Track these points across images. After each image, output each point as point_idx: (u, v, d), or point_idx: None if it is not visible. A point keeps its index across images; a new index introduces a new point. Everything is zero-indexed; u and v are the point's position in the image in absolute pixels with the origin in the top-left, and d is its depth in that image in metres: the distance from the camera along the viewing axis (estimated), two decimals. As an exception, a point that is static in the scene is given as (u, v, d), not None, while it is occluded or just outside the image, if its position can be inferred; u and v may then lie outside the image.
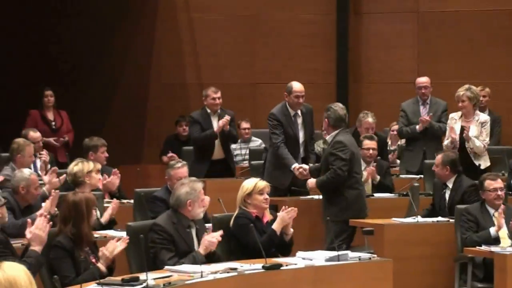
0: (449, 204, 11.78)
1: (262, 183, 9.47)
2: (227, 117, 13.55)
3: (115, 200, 10.73)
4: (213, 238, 8.71)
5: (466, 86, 12.86)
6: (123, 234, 8.89)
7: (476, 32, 15.61)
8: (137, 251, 8.41)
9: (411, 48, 15.92)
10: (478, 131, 12.54)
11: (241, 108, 13.85)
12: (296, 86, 12.83)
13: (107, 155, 12.45)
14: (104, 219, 10.11)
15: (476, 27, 15.61)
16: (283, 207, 9.44)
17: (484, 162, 12.62)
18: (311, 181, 11.60)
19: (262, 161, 13.04)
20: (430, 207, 12.21)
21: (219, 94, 13.80)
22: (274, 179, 11.86)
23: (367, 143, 13.12)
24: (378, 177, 12.96)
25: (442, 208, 11.86)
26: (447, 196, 11.90)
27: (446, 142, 12.94)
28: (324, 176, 11.27)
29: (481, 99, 14.33)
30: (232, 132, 13.72)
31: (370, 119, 13.93)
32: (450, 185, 11.83)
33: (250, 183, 9.56)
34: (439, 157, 11.99)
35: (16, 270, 4.74)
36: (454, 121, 12.74)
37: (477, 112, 12.66)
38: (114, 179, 11.58)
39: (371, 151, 13.02)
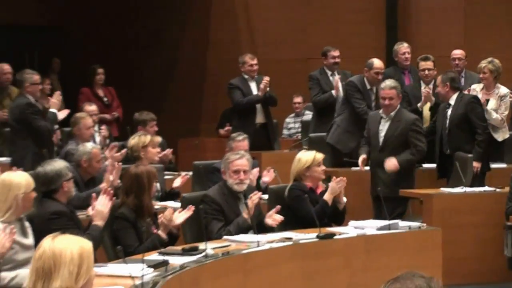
0: (450, 120, 11.79)
1: (320, 155, 9.52)
2: (267, 78, 13.45)
3: (184, 175, 10.79)
4: (274, 221, 8.78)
5: (489, 58, 12.69)
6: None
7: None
8: (191, 222, 8.51)
9: (458, 24, 15.85)
10: (497, 104, 12.31)
11: (294, 83, 13.84)
12: (377, 62, 12.80)
13: (156, 129, 12.51)
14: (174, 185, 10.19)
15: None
16: (333, 177, 9.46)
17: (502, 134, 12.36)
18: (393, 163, 11.23)
19: (324, 133, 12.92)
20: (431, 127, 12.33)
21: (255, 61, 13.75)
22: (341, 142, 11.88)
23: (423, 64, 13.11)
24: (433, 98, 12.70)
25: (444, 126, 11.86)
26: (448, 114, 11.88)
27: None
28: (408, 154, 11.24)
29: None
30: (272, 94, 13.65)
31: (405, 44, 13.95)
32: (452, 102, 11.79)
33: (308, 156, 9.56)
34: (439, 78, 12.01)
35: (65, 244, 4.77)
36: (475, 92, 12.51)
37: (498, 85, 12.41)
38: (169, 153, 11.66)
39: (426, 72, 12.98)
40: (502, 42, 14.91)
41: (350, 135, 12.53)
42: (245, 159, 8.91)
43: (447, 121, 11.76)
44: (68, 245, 4.72)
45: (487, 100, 12.18)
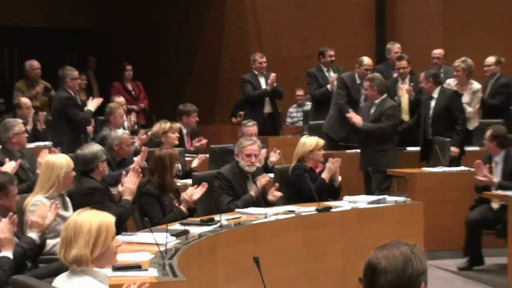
0: (433, 111, 11.71)
1: (321, 141, 9.65)
2: (273, 74, 13.42)
3: (201, 157, 10.81)
4: (262, 181, 8.85)
5: (463, 58, 12.65)
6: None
7: (495, 10, 15.42)
8: (203, 197, 8.50)
9: (437, 25, 15.82)
10: (470, 98, 12.34)
11: (297, 78, 13.81)
12: (366, 60, 12.87)
13: (197, 119, 12.53)
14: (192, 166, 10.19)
15: (494, 5, 15.42)
16: (329, 158, 9.49)
17: (473, 124, 12.39)
18: (358, 118, 11.56)
19: (322, 121, 12.94)
20: (414, 121, 12.27)
21: (264, 59, 13.71)
22: (333, 130, 11.91)
23: (398, 63, 13.05)
24: (413, 93, 12.66)
25: (427, 116, 11.78)
26: (432, 105, 11.77)
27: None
28: (378, 125, 11.30)
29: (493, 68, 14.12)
30: (278, 88, 13.60)
31: (397, 45, 13.91)
32: (435, 95, 11.70)
33: (312, 141, 9.63)
34: (422, 74, 11.88)
35: (86, 218, 4.83)
36: (450, 86, 12.51)
37: (471, 81, 12.38)
38: (204, 142, 11.70)
39: (401, 70, 12.91)
40: (478, 42, 14.85)
41: (340, 124, 12.50)
42: (256, 145, 8.96)
43: (431, 112, 11.68)
44: (89, 219, 4.79)
45: (461, 95, 12.18)
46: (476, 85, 12.50)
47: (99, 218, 4.82)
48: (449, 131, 11.42)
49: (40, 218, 6.60)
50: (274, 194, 8.85)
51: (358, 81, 12.70)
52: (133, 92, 14.77)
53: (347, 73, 12.95)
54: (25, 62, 13.62)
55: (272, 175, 9.62)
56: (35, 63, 13.42)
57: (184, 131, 12.40)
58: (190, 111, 12.53)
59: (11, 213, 6.38)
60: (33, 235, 6.37)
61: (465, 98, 12.23)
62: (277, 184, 8.98)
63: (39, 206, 6.92)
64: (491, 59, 13.08)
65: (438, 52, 13.61)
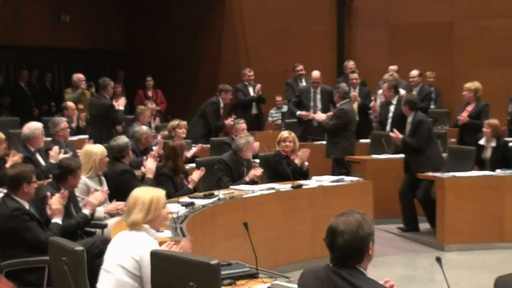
0: (393, 114, 11.60)
1: (284, 135, 9.59)
2: (259, 85, 13.50)
3: (199, 146, 10.83)
4: (257, 173, 8.88)
5: (391, 72, 12.68)
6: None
7: (428, 34, 15.40)
8: (204, 177, 8.58)
9: (384, 47, 15.83)
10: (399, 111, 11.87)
11: (276, 87, 13.77)
12: (314, 74, 12.74)
13: (231, 97, 13.15)
14: (189, 154, 10.16)
15: (428, 31, 15.40)
16: (301, 149, 9.52)
17: None
18: (320, 116, 11.53)
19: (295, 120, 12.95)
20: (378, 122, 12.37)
21: (252, 73, 13.75)
22: (294, 130, 11.90)
23: (351, 76, 13.11)
24: (359, 99, 12.73)
25: (386, 117, 11.75)
26: (391, 110, 11.67)
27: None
28: (327, 122, 11.26)
29: (430, 79, 14.14)
30: (262, 96, 13.62)
31: (352, 62, 14.00)
32: (394, 102, 11.57)
33: (279, 135, 9.70)
34: (385, 85, 11.77)
35: (141, 192, 5.07)
36: (380, 95, 12.53)
37: (401, 91, 12.12)
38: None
39: (354, 81, 12.93)
40: (415, 59, 14.77)
41: (299, 123, 12.56)
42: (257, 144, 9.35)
43: (390, 114, 11.59)
44: (143, 193, 5.03)
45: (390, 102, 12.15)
46: (401, 91, 12.25)
47: (151, 193, 5.04)
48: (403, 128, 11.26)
49: (94, 199, 6.68)
50: (255, 173, 8.89)
51: (312, 90, 12.62)
52: (152, 98, 14.76)
53: (305, 85, 12.91)
54: (73, 74, 13.61)
55: (258, 160, 9.68)
56: (81, 76, 13.45)
57: (221, 104, 12.85)
58: (228, 90, 12.89)
59: (62, 190, 6.39)
60: (86, 211, 6.37)
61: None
62: (261, 170, 9.02)
63: (97, 192, 6.98)
64: (414, 72, 13.10)
65: (393, 67, 13.55)
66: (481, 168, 10.13)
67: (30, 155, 8.52)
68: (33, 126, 8.87)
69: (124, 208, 6.00)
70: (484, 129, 10.15)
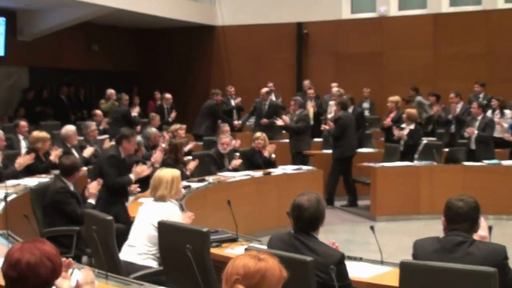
0: None
1: (257, 134, 9.46)
2: (239, 98, 13.40)
3: (194, 143, 10.74)
4: (237, 163, 8.78)
5: (337, 89, 12.54)
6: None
7: (363, 60, 15.55)
8: (198, 168, 8.53)
9: (331, 69, 15.88)
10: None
11: (251, 99, 13.55)
12: (262, 90, 12.50)
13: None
14: (186, 149, 10.09)
15: (361, 58, 15.52)
16: (270, 144, 9.43)
17: None
18: (285, 119, 10.99)
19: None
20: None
21: (233, 89, 13.62)
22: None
23: (309, 92, 12.84)
24: (316, 108, 12.63)
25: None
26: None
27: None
28: (294, 125, 10.90)
29: (365, 94, 14.15)
30: (241, 106, 13.53)
31: (308, 81, 13.89)
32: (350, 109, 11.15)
33: (253, 135, 9.61)
34: (335, 102, 11.40)
35: (164, 173, 5.14)
36: (333, 106, 12.23)
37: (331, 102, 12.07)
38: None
39: (310, 95, 12.73)
40: (351, 78, 14.82)
41: (259, 127, 11.94)
42: (228, 139, 8.97)
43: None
44: (166, 173, 5.13)
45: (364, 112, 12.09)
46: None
47: (171, 173, 5.15)
48: (356, 132, 10.92)
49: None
50: (235, 163, 8.79)
51: (263, 102, 12.32)
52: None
53: (259, 99, 12.57)
54: (107, 90, 13.55)
55: (237, 154, 9.62)
56: (112, 91, 13.39)
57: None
58: (218, 93, 12.92)
59: (99, 179, 6.31)
60: (91, 201, 6.24)
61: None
62: (240, 161, 8.91)
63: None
64: (334, 90, 12.79)
65: (335, 84, 13.44)
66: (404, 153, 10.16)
67: (67, 150, 8.47)
68: (68, 128, 8.87)
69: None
70: (404, 116, 10.32)
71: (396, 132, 10.18)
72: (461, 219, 3.59)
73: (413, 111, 10.45)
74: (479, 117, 10.19)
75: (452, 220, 3.62)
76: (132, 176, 6.81)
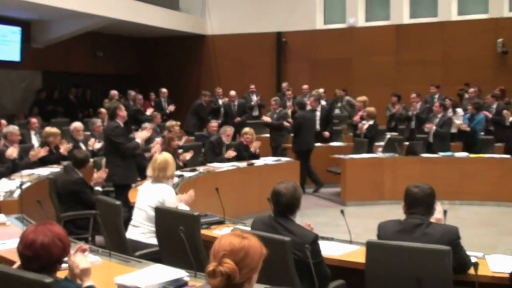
0: (320, 118, 11.09)
1: (244, 130, 9.40)
2: (226, 98, 13.11)
3: (186, 137, 10.64)
4: (232, 154, 8.76)
5: (316, 90, 12.51)
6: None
7: (330, 69, 15.57)
8: (192, 158, 8.49)
9: (307, 73, 15.86)
10: (323, 114, 11.26)
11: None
12: (231, 93, 12.49)
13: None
14: (181, 143, 10.02)
15: (330, 66, 15.56)
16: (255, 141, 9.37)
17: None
18: (267, 119, 10.90)
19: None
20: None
21: (221, 90, 13.38)
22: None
23: (287, 92, 12.71)
24: (293, 107, 12.16)
25: (314, 121, 10.91)
26: (318, 115, 11.07)
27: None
28: (272, 122, 10.85)
29: (337, 95, 14.12)
30: (262, 103, 13.37)
31: (286, 83, 13.69)
32: (318, 109, 11.07)
33: (243, 130, 9.49)
34: (312, 98, 11.17)
35: (165, 156, 5.04)
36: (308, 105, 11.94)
37: (321, 101, 11.65)
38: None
39: (288, 96, 12.62)
40: (324, 82, 14.80)
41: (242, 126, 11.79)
42: (231, 131, 9.10)
43: (318, 118, 11.05)
44: (169, 156, 5.05)
45: (333, 109, 12.06)
46: (323, 102, 11.94)
47: (166, 156, 5.05)
48: (328, 127, 11.12)
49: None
50: (230, 153, 8.75)
51: (249, 101, 12.31)
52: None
53: (242, 100, 12.58)
54: (110, 91, 13.43)
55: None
56: (115, 92, 13.28)
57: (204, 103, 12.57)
58: (206, 94, 12.75)
59: (104, 168, 6.35)
60: (98, 188, 6.17)
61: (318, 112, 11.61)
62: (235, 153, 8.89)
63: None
64: (314, 92, 12.64)
65: (306, 86, 13.41)
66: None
67: (75, 143, 8.43)
68: (75, 124, 8.85)
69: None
70: (365, 114, 10.45)
71: (360, 126, 10.39)
72: (418, 204, 3.60)
73: (372, 109, 10.49)
74: (439, 115, 10.26)
75: (410, 205, 3.63)
76: (138, 140, 6.93)
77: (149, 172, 5.06)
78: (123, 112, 7.05)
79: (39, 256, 2.57)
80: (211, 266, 2.23)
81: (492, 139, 10.44)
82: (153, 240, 4.74)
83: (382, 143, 10.20)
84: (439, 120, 10.18)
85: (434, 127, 10.10)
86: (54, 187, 6.07)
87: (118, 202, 4.68)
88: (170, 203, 4.81)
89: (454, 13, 14.84)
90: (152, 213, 4.71)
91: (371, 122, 10.34)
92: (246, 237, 2.31)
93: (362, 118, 10.70)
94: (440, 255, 3.27)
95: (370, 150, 10.11)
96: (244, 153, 9.05)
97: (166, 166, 4.98)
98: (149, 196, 4.90)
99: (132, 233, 4.86)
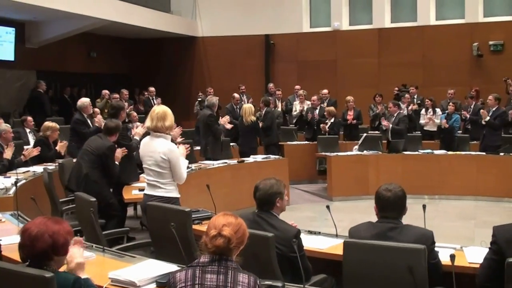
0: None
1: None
2: (217, 98, 12.64)
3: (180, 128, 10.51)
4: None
5: (303, 90, 12.47)
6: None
7: (316, 71, 15.54)
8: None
9: (294, 75, 15.84)
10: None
11: (228, 99, 13.39)
12: (236, 95, 12.13)
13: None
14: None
15: (316, 68, 15.54)
16: None
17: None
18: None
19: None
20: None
21: (212, 90, 13.24)
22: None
23: (277, 92, 12.82)
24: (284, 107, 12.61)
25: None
26: (317, 112, 11.39)
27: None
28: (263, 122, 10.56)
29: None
30: (219, 104, 12.92)
31: (272, 84, 13.31)
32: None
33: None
34: (314, 97, 11.51)
35: (160, 108, 4.84)
36: (297, 105, 12.24)
37: (307, 102, 11.75)
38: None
39: (277, 96, 12.64)
40: (314, 83, 14.76)
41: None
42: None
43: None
44: (159, 108, 4.85)
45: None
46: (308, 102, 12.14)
47: (165, 108, 4.84)
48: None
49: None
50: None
51: (235, 107, 11.77)
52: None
53: (230, 104, 11.99)
54: (102, 90, 13.27)
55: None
56: (107, 91, 13.07)
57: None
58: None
59: (124, 148, 6.40)
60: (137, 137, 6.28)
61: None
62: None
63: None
64: (301, 92, 12.64)
65: (298, 86, 13.38)
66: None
67: (83, 119, 8.80)
68: (83, 100, 9.03)
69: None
70: (325, 113, 10.90)
71: (322, 126, 10.83)
72: (391, 208, 3.44)
73: (331, 108, 11.00)
74: (395, 114, 10.37)
75: (383, 209, 3.47)
76: (137, 138, 6.66)
77: (147, 123, 4.79)
78: (125, 114, 6.91)
79: (25, 246, 2.57)
80: (213, 232, 2.50)
81: (468, 137, 10.65)
82: (174, 193, 4.78)
83: (358, 142, 10.22)
84: (395, 118, 10.29)
85: (391, 125, 10.22)
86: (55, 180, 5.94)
87: (93, 199, 4.54)
88: (174, 157, 4.66)
89: (433, 18, 14.96)
90: (162, 170, 4.68)
91: (332, 120, 10.82)
92: (238, 217, 2.65)
93: (322, 117, 10.90)
94: (416, 254, 3.15)
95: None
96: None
97: (165, 116, 4.73)
98: (153, 153, 4.71)
99: (150, 190, 4.79)
